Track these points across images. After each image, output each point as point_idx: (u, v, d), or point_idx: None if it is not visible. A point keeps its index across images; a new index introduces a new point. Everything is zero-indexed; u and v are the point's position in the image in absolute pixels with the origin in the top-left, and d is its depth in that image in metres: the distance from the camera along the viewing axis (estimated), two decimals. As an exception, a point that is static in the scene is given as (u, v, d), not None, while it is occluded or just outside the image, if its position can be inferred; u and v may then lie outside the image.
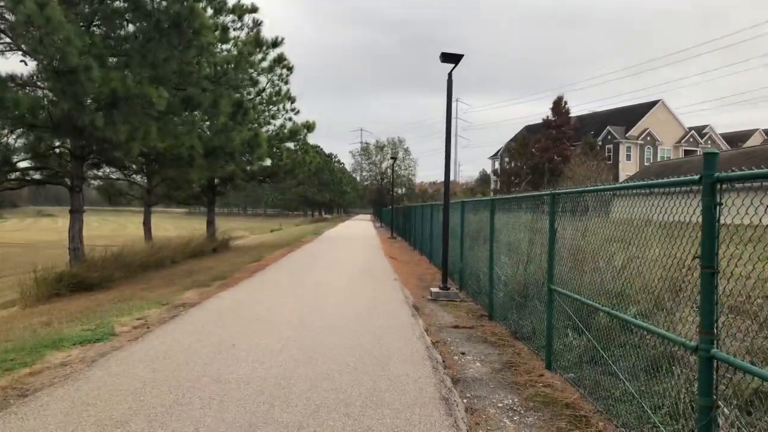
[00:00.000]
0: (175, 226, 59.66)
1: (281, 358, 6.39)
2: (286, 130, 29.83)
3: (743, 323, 4.88)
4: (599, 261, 5.92)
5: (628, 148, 62.41)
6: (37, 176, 16.62)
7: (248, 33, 24.57)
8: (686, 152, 62.91)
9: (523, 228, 8.57)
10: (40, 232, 57.07)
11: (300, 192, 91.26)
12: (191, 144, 15.60)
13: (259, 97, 28.71)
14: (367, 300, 10.80)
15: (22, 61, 13.30)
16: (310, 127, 30.64)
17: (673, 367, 4.96)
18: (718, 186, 3.34)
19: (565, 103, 60.73)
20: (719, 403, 3.51)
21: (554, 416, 4.88)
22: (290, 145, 31.19)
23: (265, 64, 27.62)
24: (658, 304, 5.62)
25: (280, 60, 28.16)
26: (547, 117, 60.89)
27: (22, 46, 12.82)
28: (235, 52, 20.70)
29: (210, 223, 29.46)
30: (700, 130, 66.08)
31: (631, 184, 4.47)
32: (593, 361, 5.87)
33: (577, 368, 6.05)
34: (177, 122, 16.11)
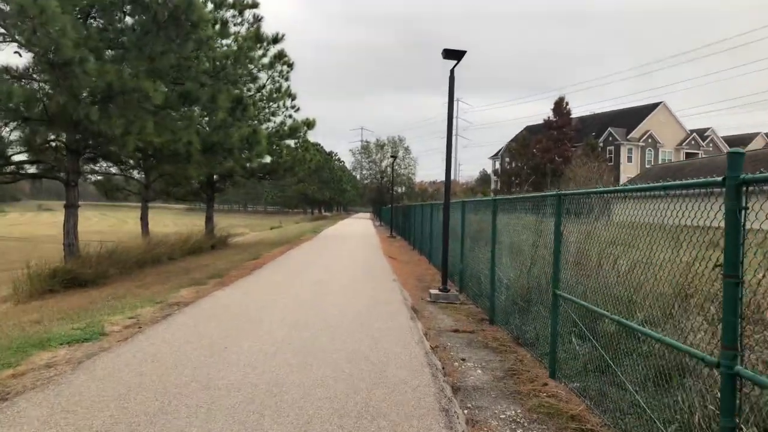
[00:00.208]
0: (174, 222, 59.46)
1: (274, 363, 6.14)
2: (286, 128, 29.54)
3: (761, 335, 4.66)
4: (608, 266, 5.68)
5: (630, 150, 62.16)
6: (32, 170, 16.36)
7: (249, 29, 24.34)
8: (687, 155, 62.72)
9: (526, 230, 8.32)
10: (39, 226, 56.79)
11: (300, 190, 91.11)
12: (189, 139, 15.32)
13: (260, 93, 28.44)
14: (365, 301, 10.55)
15: (16, 52, 13.03)
16: (310, 124, 30.36)
17: (685, 379, 4.74)
18: (744, 188, 3.09)
19: (567, 104, 60.55)
20: (742, 426, 3.26)
21: (559, 430, 4.64)
22: (290, 142, 30.92)
23: (265, 60, 27.36)
24: (667, 312, 5.40)
25: (280, 56, 27.89)
26: (549, 118, 60.69)
27: (17, 37, 12.54)
28: (235, 48, 20.44)
29: (209, 220, 29.22)
30: (701, 133, 65.85)
31: (647, 186, 4.21)
32: (599, 370, 5.63)
33: (582, 377, 5.80)
34: (175, 117, 15.85)
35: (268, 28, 30.31)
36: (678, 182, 3.90)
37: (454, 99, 11.63)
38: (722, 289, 3.16)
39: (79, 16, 14.54)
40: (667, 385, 4.67)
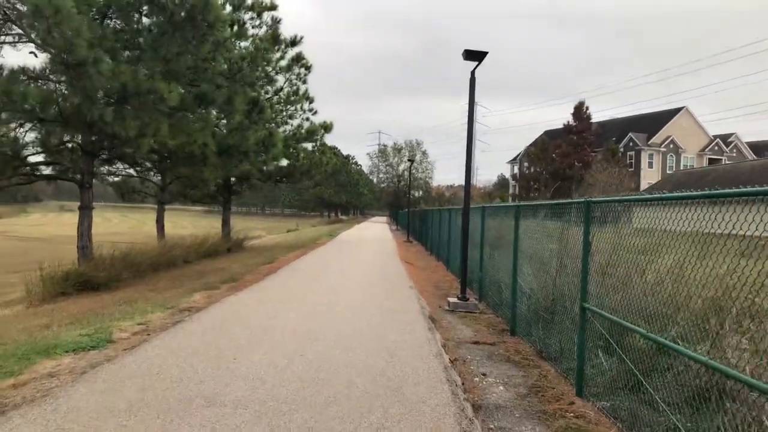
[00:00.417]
0: (193, 224, 59.61)
1: (285, 377, 5.83)
2: (303, 131, 29.32)
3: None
4: (641, 277, 5.30)
5: (650, 156, 61.23)
6: (47, 171, 16.26)
7: (267, 31, 24.18)
8: (710, 161, 61.63)
9: (550, 238, 7.95)
10: (60, 227, 57.17)
11: (317, 193, 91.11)
12: (204, 141, 15.12)
13: (277, 96, 28.27)
14: (380, 309, 10.21)
15: (32, 52, 12.90)
16: (327, 127, 30.10)
17: (726, 403, 4.36)
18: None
19: (587, 108, 59.92)
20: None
21: (591, 458, 4.27)
22: (308, 145, 30.69)
23: (283, 62, 27.21)
24: (703, 329, 5.02)
25: (298, 59, 27.70)
26: (568, 122, 60.06)
27: (33, 36, 12.42)
28: (252, 49, 20.26)
29: (225, 223, 29.06)
30: (725, 139, 64.68)
31: (694, 194, 3.84)
32: (629, 387, 5.26)
33: (611, 395, 5.44)
34: (190, 119, 15.65)
35: (286, 31, 30.08)
36: (730, 191, 3.54)
37: (475, 101, 11.28)
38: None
39: (96, 17, 14.42)
40: (704, 406, 4.31)
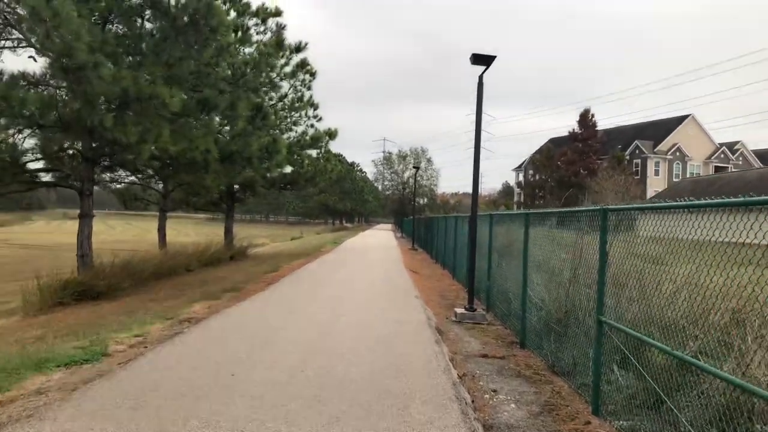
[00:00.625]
0: (196, 231, 59.40)
1: (286, 395, 5.52)
2: (307, 137, 29.10)
3: None
4: (663, 289, 5.00)
5: (657, 163, 60.86)
6: (47, 178, 16.03)
7: (271, 37, 24.03)
8: (716, 168, 61.24)
9: (562, 247, 7.65)
10: (63, 235, 56.92)
11: (322, 200, 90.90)
12: (206, 147, 14.86)
13: (281, 102, 28.11)
14: (385, 321, 9.89)
15: (30, 57, 12.69)
16: (332, 134, 29.89)
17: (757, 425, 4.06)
18: None
19: (592, 116, 59.64)
20: None
21: (614, 487, 3.95)
22: (312, 152, 30.48)
23: (287, 69, 27.06)
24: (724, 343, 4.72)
25: (303, 65, 27.56)
26: (574, 130, 59.80)
27: (33, 41, 12.22)
28: (256, 55, 20.06)
29: (228, 231, 28.81)
30: (731, 146, 64.28)
31: (727, 201, 3.55)
32: (649, 405, 4.95)
33: (630, 414, 5.12)
34: (193, 125, 15.41)
35: (291, 38, 29.96)
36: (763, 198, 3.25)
37: (483, 107, 11.01)
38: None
39: (97, 21, 14.24)
40: (732, 429, 4.00)
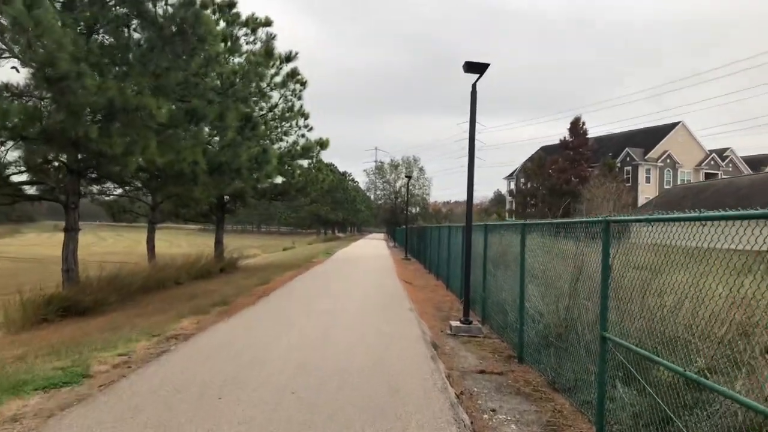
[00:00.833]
0: (188, 242, 58.87)
1: (274, 419, 5.23)
2: (298, 147, 28.85)
3: None
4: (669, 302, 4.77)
5: (648, 171, 60.93)
6: (32, 191, 15.68)
7: (261, 47, 23.83)
8: (707, 175, 61.41)
9: (561, 259, 7.41)
10: (53, 248, 56.27)
11: (313, 210, 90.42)
12: (194, 159, 14.56)
13: (272, 112, 27.88)
14: (379, 336, 9.60)
15: (13, 67, 12.37)
16: (323, 144, 29.67)
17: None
18: None
19: (583, 123, 59.60)
20: None
21: None
22: (303, 162, 30.23)
23: (278, 78, 26.85)
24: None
25: (293, 75, 27.36)
26: (565, 138, 59.76)
27: (15, 50, 11.92)
28: (246, 65, 19.83)
29: (218, 242, 28.45)
30: (721, 153, 64.53)
31: (749, 212, 3.31)
32: (654, 424, 4.71)
33: (636, 434, 4.88)
34: (180, 136, 15.11)
35: (282, 48, 29.81)
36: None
37: (476, 116, 10.79)
38: None
39: (83, 31, 13.96)
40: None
